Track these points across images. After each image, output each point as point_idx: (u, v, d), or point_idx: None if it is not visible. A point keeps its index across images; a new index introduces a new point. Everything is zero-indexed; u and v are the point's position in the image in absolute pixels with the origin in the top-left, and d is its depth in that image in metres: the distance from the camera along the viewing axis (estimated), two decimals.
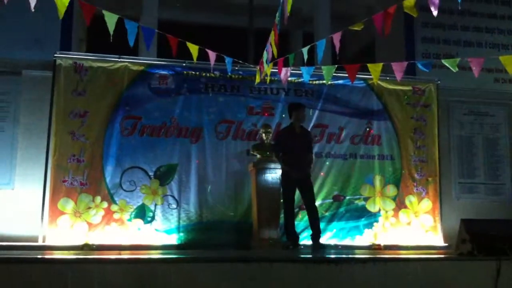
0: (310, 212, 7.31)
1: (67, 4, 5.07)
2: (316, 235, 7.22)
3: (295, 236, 7.31)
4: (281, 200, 7.39)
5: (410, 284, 3.79)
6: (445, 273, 3.90)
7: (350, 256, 4.53)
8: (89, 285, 3.70)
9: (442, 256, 4.95)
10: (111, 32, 5.32)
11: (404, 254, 6.07)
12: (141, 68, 8.05)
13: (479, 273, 3.91)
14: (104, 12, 5.37)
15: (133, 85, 7.98)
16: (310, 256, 4.77)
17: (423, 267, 3.91)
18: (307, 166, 7.30)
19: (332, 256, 4.82)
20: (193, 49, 6.20)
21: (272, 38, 6.02)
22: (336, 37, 5.84)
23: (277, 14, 5.80)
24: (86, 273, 3.77)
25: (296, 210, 7.59)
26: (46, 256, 4.90)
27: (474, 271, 3.93)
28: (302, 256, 4.83)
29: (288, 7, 5.32)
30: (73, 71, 7.77)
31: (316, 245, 7.16)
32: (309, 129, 8.18)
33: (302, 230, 7.81)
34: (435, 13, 4.89)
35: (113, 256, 4.78)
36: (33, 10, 4.81)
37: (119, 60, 7.95)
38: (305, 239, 7.65)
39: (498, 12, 9.80)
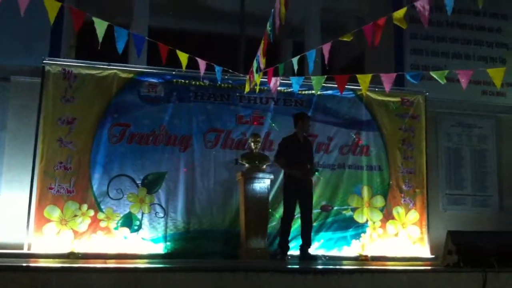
0: (304, 223, 7.32)
1: (57, 9, 5.05)
2: (306, 246, 7.21)
3: (286, 247, 7.30)
4: (269, 210, 7.39)
5: None
6: (431, 284, 3.91)
7: (337, 267, 4.53)
8: None
9: (429, 267, 4.96)
10: (100, 39, 5.30)
11: (391, 265, 6.08)
12: (131, 75, 8.02)
13: (465, 285, 3.92)
14: (94, 19, 5.35)
15: (122, 92, 7.94)
16: (297, 266, 4.76)
17: (409, 278, 3.91)
18: (310, 175, 7.31)
19: (319, 267, 4.81)
20: (183, 57, 6.18)
21: (262, 46, 6.03)
22: (326, 48, 5.86)
23: (268, 24, 5.81)
24: (71, 282, 3.74)
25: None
26: (31, 264, 4.85)
27: (460, 282, 3.94)
28: (289, 266, 4.82)
29: (282, 16, 5.33)
30: (62, 77, 7.73)
31: (305, 255, 7.15)
32: None
33: (292, 239, 7.76)
34: (425, 25, 4.92)
35: (98, 265, 4.74)
36: (22, 14, 4.78)
37: (108, 67, 7.92)
38: (293, 249, 7.61)
39: (487, 25, 9.89)
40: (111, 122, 7.82)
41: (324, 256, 8.01)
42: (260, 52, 6.10)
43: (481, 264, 4.00)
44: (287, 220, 7.30)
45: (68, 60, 8.16)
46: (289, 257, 7.42)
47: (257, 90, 7.47)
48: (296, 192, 7.27)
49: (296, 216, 7.52)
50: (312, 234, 8.03)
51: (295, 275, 3.80)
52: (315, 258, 7.33)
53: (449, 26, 9.66)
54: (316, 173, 7.65)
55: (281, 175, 7.68)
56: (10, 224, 7.37)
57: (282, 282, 3.77)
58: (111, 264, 5.25)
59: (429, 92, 8.89)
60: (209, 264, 5.27)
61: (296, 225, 7.60)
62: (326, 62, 5.79)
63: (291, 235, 7.63)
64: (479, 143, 9.39)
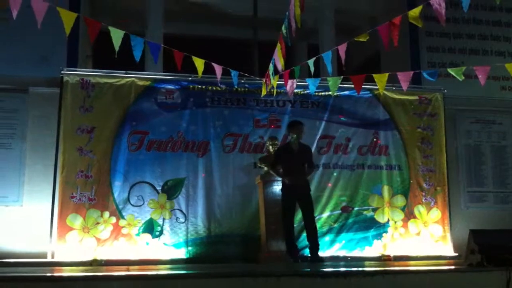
0: (307, 225, 7.22)
1: (73, 21, 5.11)
2: (313, 248, 7.13)
3: (293, 247, 7.23)
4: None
5: None
6: (455, 284, 3.87)
7: (358, 269, 4.50)
8: None
9: (452, 267, 4.91)
10: (117, 48, 5.35)
11: (414, 265, 6.02)
12: (147, 83, 8.10)
13: (489, 284, 3.88)
14: (109, 28, 5.40)
15: (140, 100, 8.02)
16: (319, 270, 4.74)
17: (432, 279, 3.87)
18: (305, 181, 7.26)
19: (341, 269, 4.79)
20: (199, 63, 6.21)
21: (278, 50, 6.03)
22: (342, 49, 5.85)
23: (283, 27, 5.82)
24: None
25: (302, 223, 7.49)
26: (54, 274, 4.89)
27: (484, 282, 3.89)
28: (309, 270, 4.80)
29: (297, 19, 5.34)
30: (80, 87, 7.83)
31: (314, 257, 7.08)
32: (316, 140, 8.21)
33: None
34: (442, 23, 4.88)
35: (120, 272, 4.77)
36: (39, 27, 4.84)
37: (126, 75, 8.00)
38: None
39: (503, 20, 9.77)
40: (130, 130, 7.90)
41: (346, 257, 7.98)
42: (276, 55, 6.11)
43: (505, 263, 3.95)
44: (287, 223, 7.19)
45: (86, 70, 8.25)
46: (299, 260, 7.32)
47: (275, 93, 7.47)
48: (294, 195, 7.17)
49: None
50: (333, 235, 8.08)
51: (316, 279, 3.78)
52: (323, 260, 7.23)
53: (465, 22, 9.57)
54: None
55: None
56: (34, 234, 7.47)
57: (303, 286, 3.75)
58: (134, 270, 5.28)
59: (446, 89, 8.82)
60: (230, 268, 5.27)
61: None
62: (342, 63, 5.78)
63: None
64: (499, 139, 9.27)
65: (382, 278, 3.78)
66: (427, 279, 3.85)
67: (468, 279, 3.91)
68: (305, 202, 7.18)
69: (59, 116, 7.73)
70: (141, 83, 8.08)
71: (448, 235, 8.47)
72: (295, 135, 7.23)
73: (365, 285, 3.74)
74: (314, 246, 7.12)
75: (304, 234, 7.47)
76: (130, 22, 9.48)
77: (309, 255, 7.17)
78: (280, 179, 7.40)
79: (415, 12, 5.19)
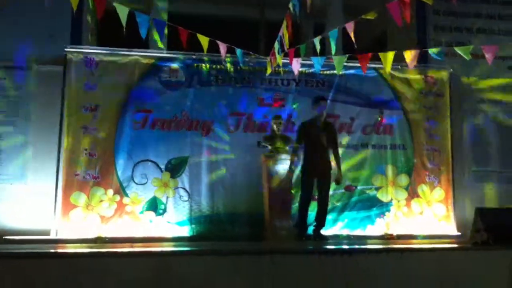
0: (320, 207, 7.30)
1: None
2: (318, 226, 7.20)
3: (304, 227, 7.28)
4: (293, 191, 7.39)
5: (425, 274, 3.76)
6: (460, 263, 3.87)
7: (364, 247, 4.51)
8: (103, 278, 3.71)
9: (457, 245, 4.92)
10: (124, 25, 5.32)
11: (417, 244, 6.04)
12: (152, 61, 8.05)
13: (495, 263, 3.88)
14: (115, 5, 5.37)
15: (144, 78, 7.99)
16: (324, 247, 4.75)
17: (437, 256, 3.88)
18: (328, 160, 7.25)
19: (346, 247, 4.80)
20: (204, 41, 6.18)
21: (284, 27, 5.98)
22: (349, 27, 5.80)
23: (290, 3, 5.76)
24: (101, 267, 3.78)
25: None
26: (58, 251, 4.92)
27: (489, 260, 3.90)
28: (314, 248, 4.82)
29: None
30: (84, 65, 7.79)
31: (316, 235, 7.14)
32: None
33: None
34: (454, 1, 4.81)
35: (127, 249, 4.79)
36: (46, 5, 4.81)
37: (130, 53, 7.95)
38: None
39: None
40: (134, 108, 7.88)
41: (348, 236, 8.01)
42: (282, 32, 6.06)
43: (510, 241, 3.94)
44: (304, 201, 7.26)
45: (90, 47, 8.19)
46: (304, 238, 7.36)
47: (282, 72, 7.42)
48: (314, 173, 7.22)
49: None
50: (336, 214, 8.10)
51: (322, 256, 3.79)
52: (326, 238, 7.29)
53: (472, 1, 9.45)
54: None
55: (302, 156, 7.60)
56: (38, 211, 7.48)
57: (308, 263, 3.76)
58: (138, 248, 5.31)
59: (453, 68, 8.75)
60: (235, 246, 5.29)
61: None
62: (353, 40, 5.73)
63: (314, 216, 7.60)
64: (505, 119, 9.21)
65: (387, 255, 3.79)
66: (433, 256, 3.85)
67: (473, 257, 3.92)
68: (323, 181, 7.22)
69: (63, 94, 7.71)
70: (145, 61, 8.03)
71: (452, 214, 8.47)
72: (322, 109, 7.25)
73: (370, 263, 3.75)
74: (320, 225, 7.18)
75: (310, 213, 7.51)
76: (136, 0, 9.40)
77: (312, 233, 7.22)
78: (285, 158, 7.41)
79: None
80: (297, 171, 7.71)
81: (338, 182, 7.38)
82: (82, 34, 8.37)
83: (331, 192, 7.85)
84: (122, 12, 5.39)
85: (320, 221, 7.25)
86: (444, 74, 8.80)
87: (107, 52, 7.95)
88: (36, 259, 3.85)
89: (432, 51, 6.77)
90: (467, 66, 7.44)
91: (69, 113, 7.67)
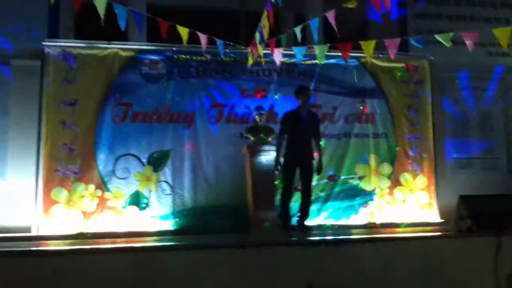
0: (303, 197, 7.28)
1: None
2: (302, 217, 7.19)
3: (287, 218, 7.26)
4: (276, 182, 7.36)
5: (411, 262, 3.76)
6: (445, 250, 3.88)
7: (349, 237, 4.50)
8: (85, 276, 3.65)
9: (441, 233, 4.93)
10: (102, 17, 5.24)
11: (401, 232, 6.06)
12: (131, 54, 7.96)
13: (479, 250, 3.89)
14: None
15: (123, 71, 7.89)
16: (310, 239, 4.73)
17: (422, 245, 3.89)
18: (310, 150, 7.22)
19: (330, 237, 4.79)
20: (184, 32, 6.11)
21: (265, 18, 5.93)
22: (331, 16, 5.76)
23: None
24: (82, 264, 3.72)
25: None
26: (40, 248, 4.84)
27: (474, 247, 3.91)
28: (300, 239, 4.80)
29: None
30: (62, 59, 7.67)
31: (300, 226, 7.12)
32: None
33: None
34: None
35: (108, 245, 4.73)
36: None
37: (109, 46, 7.85)
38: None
39: None
40: (114, 102, 7.79)
41: (332, 225, 8.02)
42: (263, 23, 6.01)
43: (495, 228, 3.95)
44: (286, 191, 7.23)
45: (68, 40, 8.06)
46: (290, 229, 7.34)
47: (263, 62, 7.39)
48: (296, 163, 7.19)
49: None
50: (320, 204, 8.10)
51: (307, 247, 3.77)
52: (310, 229, 7.28)
53: None
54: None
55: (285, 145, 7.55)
56: (18, 208, 7.37)
57: (294, 255, 3.74)
58: (121, 243, 5.25)
59: (434, 56, 8.76)
60: (219, 239, 5.26)
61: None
62: (335, 29, 5.71)
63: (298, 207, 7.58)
64: (486, 106, 9.27)
65: (372, 245, 3.78)
66: (418, 245, 3.85)
67: (458, 244, 3.93)
68: (306, 171, 7.18)
69: (41, 89, 7.59)
70: (124, 54, 7.92)
71: (434, 201, 8.52)
72: (304, 99, 7.22)
73: (356, 253, 3.74)
74: (304, 215, 7.16)
75: (293, 204, 7.50)
76: None
77: (296, 224, 7.20)
78: (268, 149, 7.38)
79: None
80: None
81: (319, 171, 7.36)
82: (59, 28, 8.23)
83: (314, 183, 7.85)
84: (100, 3, 5.29)
85: (304, 212, 7.23)
86: (425, 62, 8.83)
87: (86, 45, 7.83)
88: (16, 257, 3.78)
89: (413, 39, 6.77)
90: (447, 53, 7.42)
91: (48, 108, 7.54)
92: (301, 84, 7.77)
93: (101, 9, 5.28)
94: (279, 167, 7.25)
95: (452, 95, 9.18)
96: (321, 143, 7.54)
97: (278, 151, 7.22)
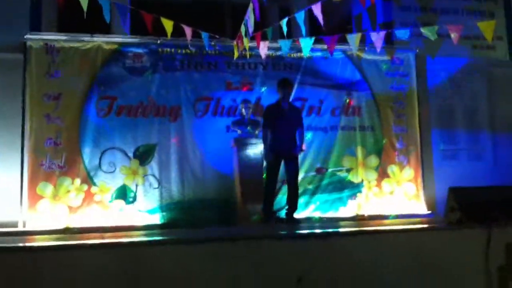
0: (290, 189, 7.22)
1: None
2: (291, 210, 7.13)
3: (270, 211, 7.19)
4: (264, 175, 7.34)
5: (401, 255, 3.75)
6: (436, 242, 3.88)
7: (339, 229, 4.49)
8: (71, 271, 3.60)
9: (433, 225, 4.93)
10: (85, 9, 5.17)
11: (390, 224, 6.07)
12: (115, 47, 7.88)
13: (470, 242, 3.90)
14: None
15: (107, 64, 7.83)
16: (300, 232, 4.72)
17: (413, 237, 3.88)
18: (294, 142, 7.17)
19: (319, 230, 4.78)
20: (168, 25, 6.07)
21: (251, 11, 5.89)
22: (317, 8, 5.74)
23: None
24: (68, 260, 3.67)
25: (279, 184, 7.50)
26: (26, 244, 4.78)
27: (465, 239, 3.91)
28: (290, 232, 4.78)
29: None
30: (45, 52, 7.59)
31: (290, 219, 7.08)
32: None
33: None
34: None
35: (95, 241, 4.67)
36: None
37: (92, 39, 7.76)
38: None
39: None
40: (98, 95, 7.72)
41: (321, 218, 8.02)
42: (248, 16, 5.97)
43: (485, 220, 3.96)
44: (270, 183, 7.17)
45: (50, 33, 7.94)
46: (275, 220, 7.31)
47: (248, 56, 7.35)
48: (280, 155, 7.12)
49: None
50: (308, 196, 8.08)
51: (297, 240, 3.76)
52: (299, 221, 7.25)
53: None
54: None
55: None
56: (3, 203, 7.28)
57: (283, 248, 3.72)
58: (108, 238, 5.19)
59: (418, 48, 8.78)
60: (207, 233, 5.22)
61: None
62: (321, 22, 5.69)
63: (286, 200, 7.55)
64: (471, 98, 9.32)
65: (362, 238, 3.78)
66: (410, 238, 3.85)
67: (449, 237, 3.93)
68: (291, 162, 7.14)
69: (24, 83, 7.49)
70: (108, 47, 7.85)
71: (421, 193, 8.57)
72: (286, 92, 7.15)
73: (345, 246, 3.73)
74: (293, 208, 7.11)
75: (281, 196, 7.47)
76: None
77: (285, 216, 7.17)
78: (255, 142, 7.35)
79: None
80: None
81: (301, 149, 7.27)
82: (41, 21, 8.12)
83: (302, 175, 7.85)
84: None
85: (292, 204, 7.16)
86: (410, 55, 8.86)
87: (68, 38, 7.74)
88: (1, 253, 3.72)
89: (398, 31, 6.78)
90: (432, 46, 7.44)
91: (31, 102, 7.47)
92: (284, 76, 7.70)
93: (84, 1, 5.22)
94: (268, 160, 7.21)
95: (437, 87, 9.21)
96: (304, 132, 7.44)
97: (265, 144, 7.16)
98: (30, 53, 7.54)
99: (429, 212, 8.35)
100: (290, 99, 7.43)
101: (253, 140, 7.46)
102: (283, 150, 7.08)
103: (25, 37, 7.54)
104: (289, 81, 7.37)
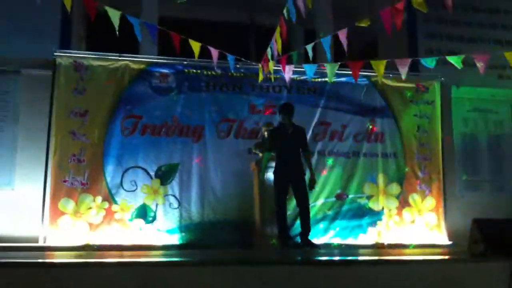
0: (301, 211, 7.07)
1: None
2: (304, 233, 7.01)
3: (286, 235, 7.06)
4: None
5: (426, 286, 3.70)
6: (459, 274, 3.82)
7: (360, 258, 4.45)
8: None
9: (456, 257, 4.86)
10: (117, 28, 5.26)
11: (411, 254, 5.99)
12: (142, 66, 7.98)
13: (492, 275, 3.83)
14: (107, 8, 5.30)
15: (134, 83, 7.91)
16: (321, 258, 4.68)
17: (437, 269, 3.82)
18: (299, 164, 7.11)
19: (337, 258, 4.73)
20: (195, 46, 6.13)
21: (277, 34, 5.93)
22: (342, 34, 5.76)
23: (284, 10, 5.72)
24: (88, 277, 3.69)
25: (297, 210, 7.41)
26: (47, 260, 4.82)
27: (487, 272, 3.85)
28: (310, 258, 4.75)
29: (308, 1, 5.25)
30: (73, 69, 7.71)
31: (304, 242, 6.95)
32: (311, 127, 8.15)
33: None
34: (450, 10, 4.82)
35: (115, 259, 4.70)
36: (38, 1, 4.77)
37: (120, 58, 7.87)
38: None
39: (502, 7, 9.69)
40: (124, 114, 7.80)
41: (340, 245, 7.95)
42: (275, 39, 6.02)
43: (509, 253, 3.89)
44: (280, 208, 7.02)
45: (79, 52, 8.10)
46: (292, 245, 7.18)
47: (273, 79, 7.35)
48: (287, 178, 6.96)
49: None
50: (328, 222, 8.02)
51: (317, 266, 3.73)
52: (317, 246, 7.12)
53: (463, 10, 9.46)
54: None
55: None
56: (25, 217, 7.36)
57: (305, 274, 3.70)
58: (127, 257, 5.21)
59: (444, 77, 8.74)
60: (225, 255, 5.21)
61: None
62: (345, 48, 5.69)
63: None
64: (496, 128, 9.24)
65: (383, 267, 3.73)
66: (433, 268, 3.79)
67: (471, 269, 3.87)
68: (298, 185, 7.03)
69: (52, 99, 7.61)
70: (135, 66, 7.95)
71: (443, 223, 8.45)
72: (286, 116, 7.03)
73: (366, 274, 3.69)
74: (305, 231, 6.97)
75: (298, 222, 7.39)
76: (125, 3, 9.32)
77: (300, 241, 7.07)
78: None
79: None
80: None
81: (311, 186, 7.00)
82: (71, 39, 8.28)
83: (322, 201, 7.82)
84: (114, 16, 5.32)
85: (305, 227, 7.01)
86: (435, 83, 8.81)
87: (97, 56, 7.86)
88: (22, 268, 3.76)
89: (424, 59, 6.75)
90: (458, 74, 7.40)
91: (58, 118, 7.57)
92: (286, 102, 7.56)
93: (115, 21, 5.31)
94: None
95: (462, 116, 9.15)
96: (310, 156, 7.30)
97: (264, 166, 7.11)
98: (59, 69, 7.67)
99: (450, 242, 8.21)
100: (292, 122, 7.26)
101: (274, 163, 7.44)
102: (290, 175, 6.97)
103: (54, 54, 7.67)
104: (287, 106, 7.17)
